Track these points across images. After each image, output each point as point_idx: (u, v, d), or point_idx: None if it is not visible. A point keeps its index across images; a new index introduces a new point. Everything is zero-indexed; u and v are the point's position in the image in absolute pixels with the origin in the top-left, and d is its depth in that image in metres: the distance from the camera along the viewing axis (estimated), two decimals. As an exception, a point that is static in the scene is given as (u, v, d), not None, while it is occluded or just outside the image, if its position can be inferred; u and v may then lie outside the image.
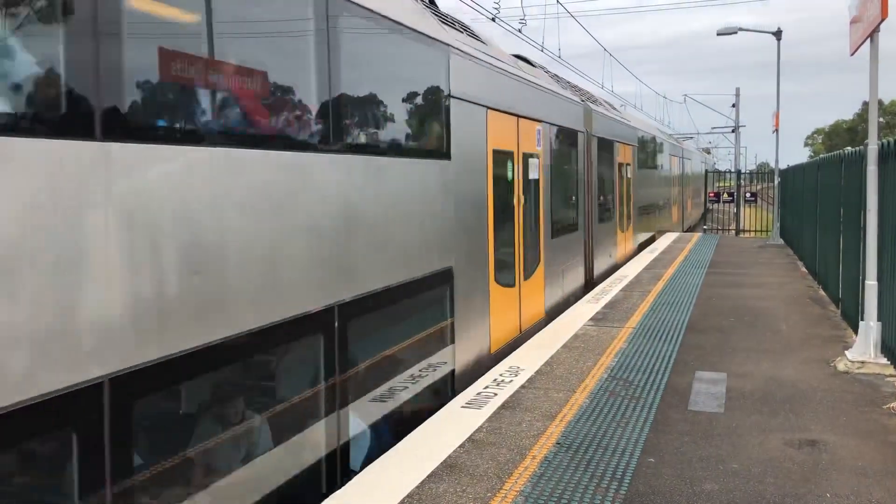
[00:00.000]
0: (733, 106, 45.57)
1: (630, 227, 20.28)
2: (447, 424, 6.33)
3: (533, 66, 13.32)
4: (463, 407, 6.77)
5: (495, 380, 7.62)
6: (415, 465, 5.45)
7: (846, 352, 8.39)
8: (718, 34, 25.46)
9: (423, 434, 6.12)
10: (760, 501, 4.87)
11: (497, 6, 15.18)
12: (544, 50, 18.83)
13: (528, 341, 9.49)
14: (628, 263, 17.65)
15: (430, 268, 7.31)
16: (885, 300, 8.00)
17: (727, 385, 7.44)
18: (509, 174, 9.90)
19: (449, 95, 7.85)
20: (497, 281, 9.27)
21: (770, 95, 32.26)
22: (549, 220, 11.73)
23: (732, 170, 36.94)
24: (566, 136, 13.30)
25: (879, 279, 8.11)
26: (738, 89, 44.62)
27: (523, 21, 17.23)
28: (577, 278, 13.84)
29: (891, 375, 7.69)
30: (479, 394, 7.15)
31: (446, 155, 7.77)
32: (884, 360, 7.96)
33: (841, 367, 8.04)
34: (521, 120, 10.32)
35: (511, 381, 7.58)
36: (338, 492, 5.04)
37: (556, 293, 12.26)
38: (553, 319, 11.05)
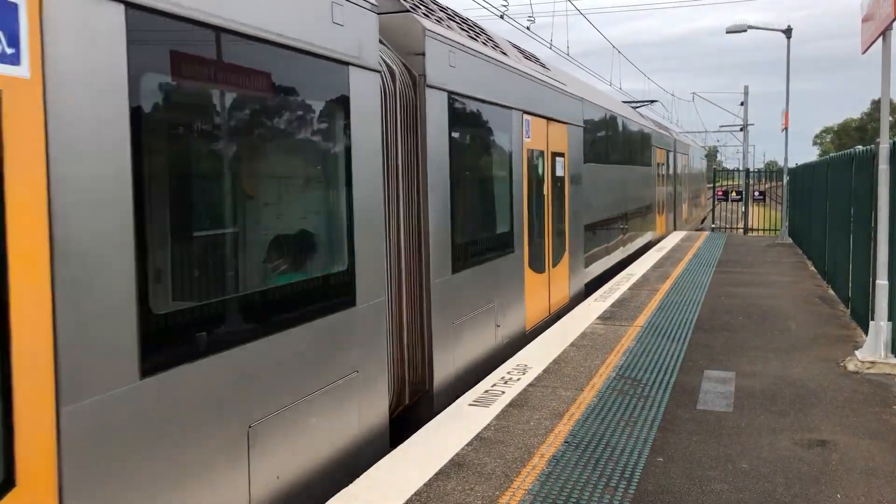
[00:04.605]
0: (742, 104, 45.36)
1: None
2: (455, 422, 6.32)
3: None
4: (470, 405, 6.76)
5: (503, 378, 7.61)
6: (423, 462, 5.45)
7: (856, 352, 8.35)
8: (728, 32, 25.40)
9: (431, 432, 6.11)
10: (770, 502, 4.85)
11: (506, 4, 15.15)
12: (553, 47, 18.80)
13: (536, 339, 9.47)
14: (635, 263, 17.60)
15: None
16: (895, 300, 7.95)
17: (736, 384, 7.41)
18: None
19: None
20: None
21: (778, 93, 32.37)
22: None
23: (741, 168, 36.77)
24: None
25: (890, 278, 8.07)
26: (746, 87, 44.30)
27: (531, 19, 17.20)
28: None
29: (901, 375, 7.65)
30: (486, 392, 7.14)
31: None
32: (894, 361, 7.92)
33: (851, 367, 8.00)
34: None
35: (519, 379, 7.57)
36: (346, 489, 5.04)
37: None
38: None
